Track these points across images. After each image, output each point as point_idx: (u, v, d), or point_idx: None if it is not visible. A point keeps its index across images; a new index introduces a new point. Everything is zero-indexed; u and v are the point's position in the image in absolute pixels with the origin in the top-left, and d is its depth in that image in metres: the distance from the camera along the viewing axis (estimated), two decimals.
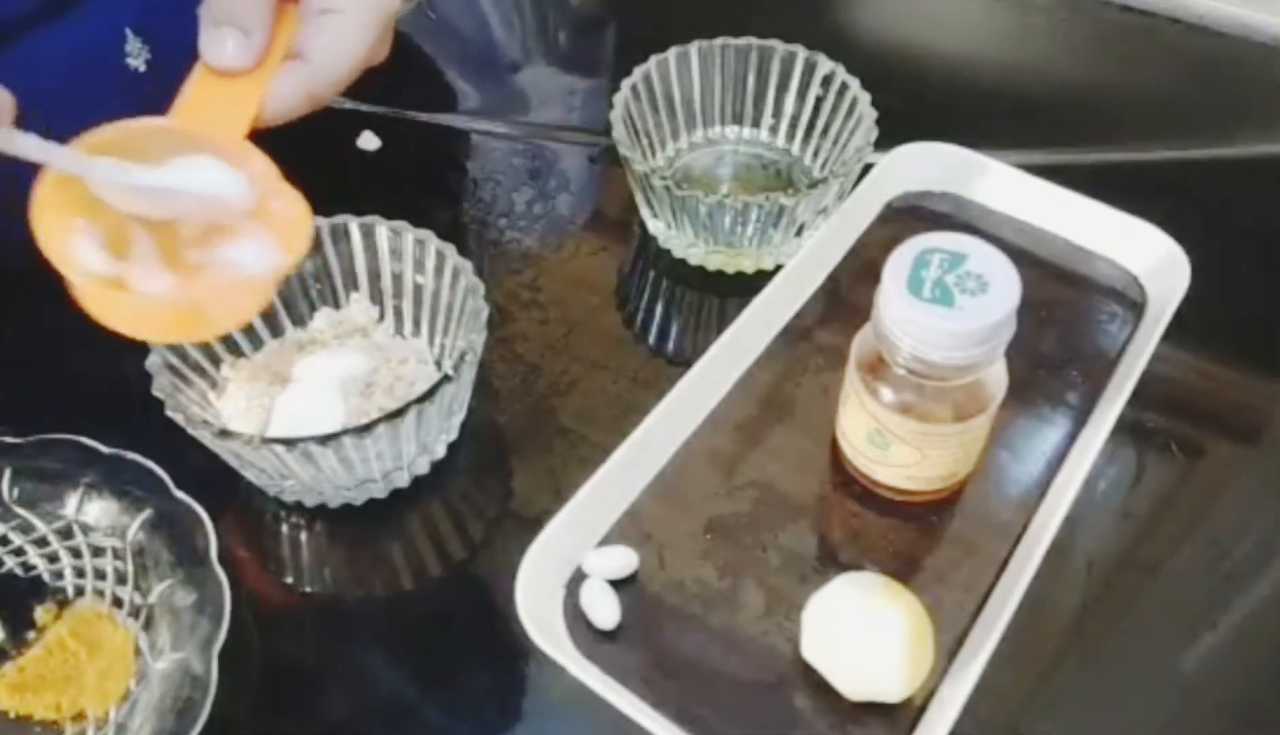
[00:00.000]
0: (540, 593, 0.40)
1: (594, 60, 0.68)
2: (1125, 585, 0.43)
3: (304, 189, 0.38)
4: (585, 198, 0.59)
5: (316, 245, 0.48)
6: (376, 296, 0.50)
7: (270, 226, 0.37)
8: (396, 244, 0.48)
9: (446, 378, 0.42)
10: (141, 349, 0.42)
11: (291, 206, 0.37)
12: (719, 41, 0.56)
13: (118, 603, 0.43)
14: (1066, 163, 0.59)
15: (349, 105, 0.62)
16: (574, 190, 0.59)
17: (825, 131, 0.56)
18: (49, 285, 0.34)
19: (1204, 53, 0.67)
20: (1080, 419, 0.46)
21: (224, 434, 0.41)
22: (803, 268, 0.51)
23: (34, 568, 0.44)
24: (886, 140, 0.52)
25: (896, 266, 0.39)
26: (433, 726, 0.41)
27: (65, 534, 0.44)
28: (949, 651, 0.40)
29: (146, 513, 0.44)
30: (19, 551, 0.44)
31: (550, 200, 0.58)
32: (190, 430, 0.42)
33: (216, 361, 0.47)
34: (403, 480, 0.46)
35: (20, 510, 0.45)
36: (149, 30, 0.52)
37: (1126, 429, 0.46)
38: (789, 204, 0.50)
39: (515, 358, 0.51)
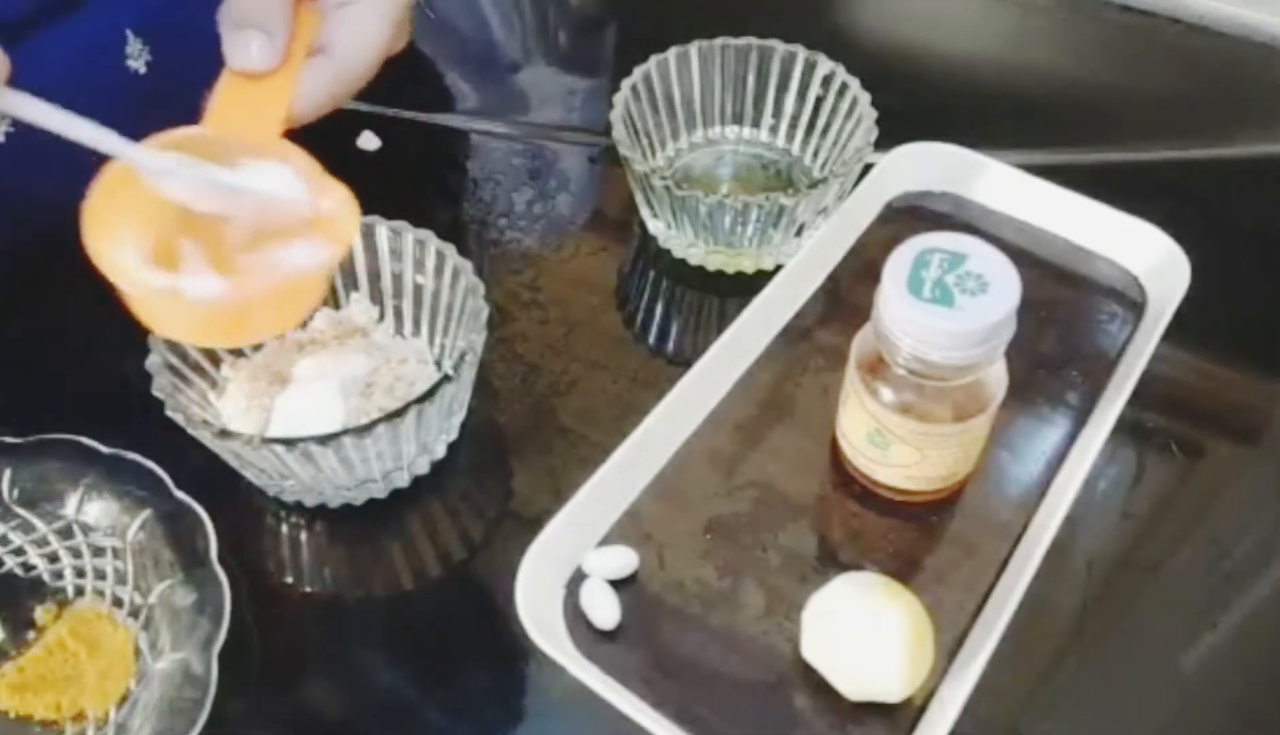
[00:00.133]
0: (540, 593, 0.40)
1: (594, 60, 0.68)
2: (1125, 585, 0.43)
3: None
4: (585, 198, 0.59)
5: None
6: (376, 296, 0.50)
7: (317, 222, 0.37)
8: (396, 244, 0.48)
9: (446, 378, 0.42)
10: (141, 349, 0.42)
11: (337, 199, 0.38)
12: (719, 41, 0.56)
13: (118, 603, 0.43)
14: (1066, 163, 0.59)
15: (349, 105, 0.61)
16: (574, 190, 0.59)
17: (825, 131, 0.56)
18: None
19: (1204, 53, 0.67)
20: (1080, 419, 0.46)
21: (224, 434, 0.41)
22: (803, 268, 0.51)
23: (34, 568, 0.44)
24: (886, 140, 0.52)
25: (896, 266, 0.39)
26: (433, 726, 0.41)
27: (65, 534, 0.45)
28: (949, 651, 0.40)
29: (146, 513, 0.44)
30: (19, 551, 0.44)
31: (550, 200, 0.58)
32: (190, 430, 0.42)
33: (216, 361, 0.47)
34: (403, 480, 0.46)
35: (20, 510, 0.45)
36: (149, 31, 0.52)
37: (1126, 429, 0.46)
38: (789, 204, 0.50)
39: (515, 358, 0.51)
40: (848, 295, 0.51)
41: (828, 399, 0.47)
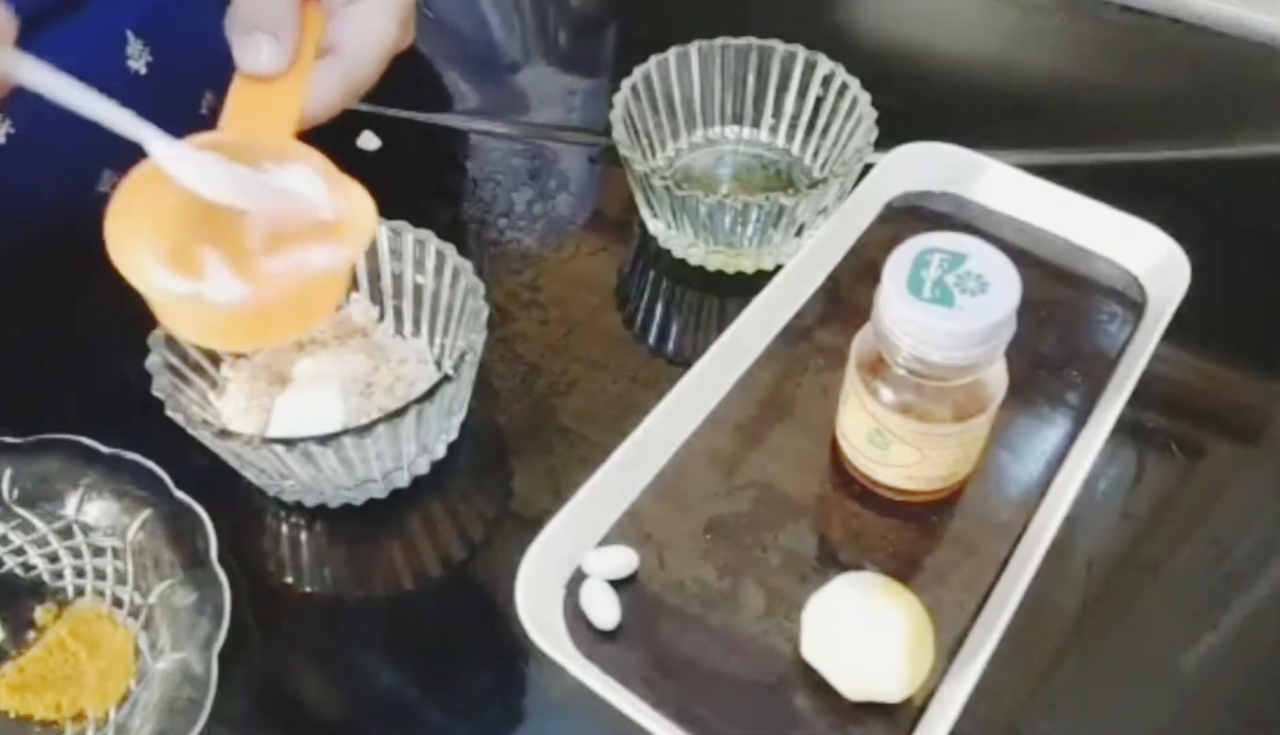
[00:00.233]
0: (540, 593, 0.40)
1: (594, 60, 0.68)
2: (1125, 585, 0.43)
3: None
4: (585, 198, 0.59)
5: None
6: (376, 296, 0.50)
7: (335, 223, 0.37)
8: (396, 244, 0.48)
9: (446, 378, 0.42)
10: (141, 349, 0.42)
11: (354, 198, 0.38)
12: (719, 41, 0.56)
13: (118, 603, 0.43)
14: (1066, 163, 0.59)
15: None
16: (574, 190, 0.59)
17: (825, 131, 0.56)
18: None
19: (1204, 53, 0.67)
20: (1080, 419, 0.46)
21: (224, 434, 0.41)
22: (803, 268, 0.51)
23: (34, 568, 0.44)
24: (886, 140, 0.52)
25: (896, 266, 0.39)
26: (433, 726, 0.41)
27: (65, 534, 0.45)
28: (949, 651, 0.40)
29: (146, 513, 0.44)
30: (19, 551, 0.44)
31: (550, 200, 0.58)
32: (190, 430, 0.42)
33: (216, 361, 0.47)
34: (403, 480, 0.46)
35: (20, 510, 0.45)
36: (150, 32, 0.52)
37: (1126, 429, 0.46)
38: (789, 204, 0.50)
39: (515, 358, 0.51)
40: (848, 295, 0.51)
41: (828, 399, 0.47)
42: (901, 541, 0.43)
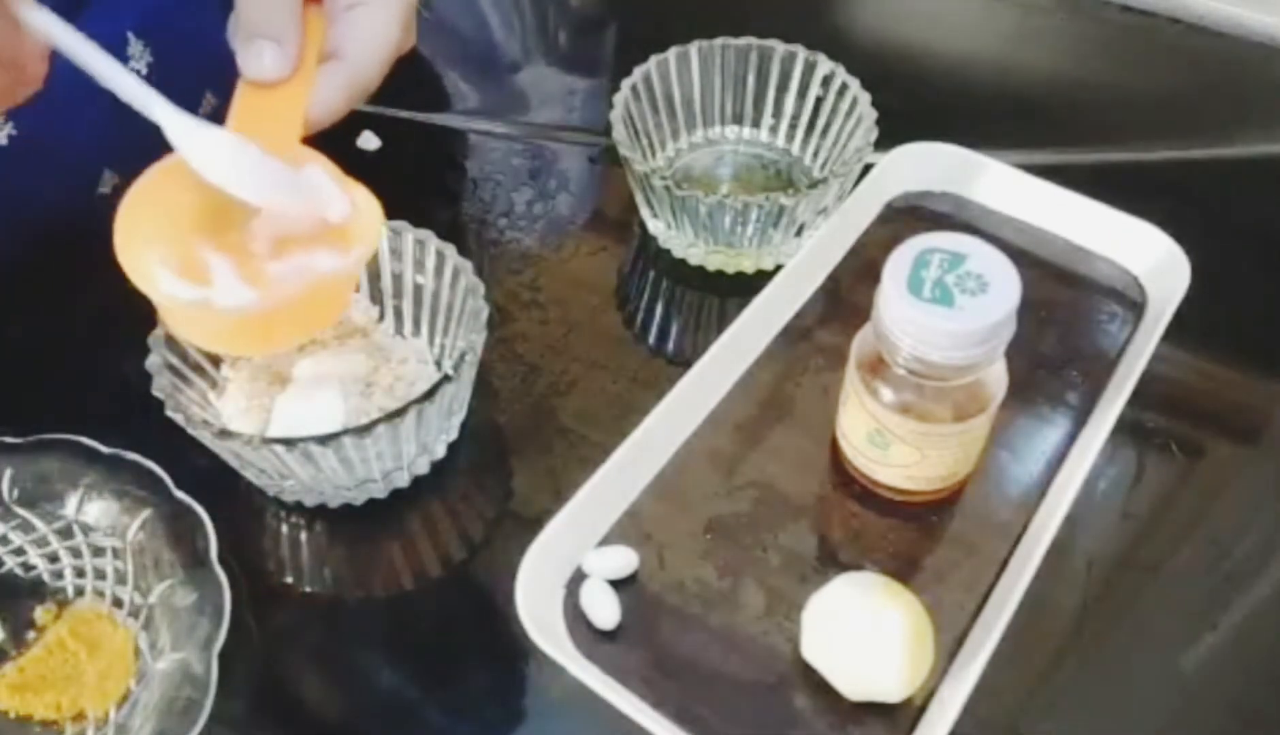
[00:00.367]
0: (540, 593, 0.40)
1: (594, 60, 0.68)
2: (1125, 585, 0.43)
3: None
4: (585, 198, 0.59)
5: None
6: (376, 296, 0.50)
7: (341, 226, 0.37)
8: (396, 244, 0.48)
9: (446, 378, 0.42)
10: (141, 349, 0.42)
11: (360, 201, 0.38)
12: (719, 41, 0.56)
13: (118, 603, 0.43)
14: (1066, 163, 0.59)
15: None
16: (574, 190, 0.59)
17: (825, 131, 0.56)
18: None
19: (1204, 53, 0.67)
20: (1080, 419, 0.46)
21: (224, 434, 0.41)
22: (803, 268, 0.51)
23: (34, 568, 0.44)
24: (886, 140, 0.52)
25: (896, 266, 0.39)
26: (433, 726, 0.41)
27: (65, 534, 0.45)
28: (949, 651, 0.40)
29: (146, 513, 0.44)
30: (19, 551, 0.44)
31: (550, 200, 0.58)
32: (190, 430, 0.42)
33: (216, 361, 0.47)
34: (403, 480, 0.46)
35: (20, 510, 0.45)
36: (150, 33, 0.52)
37: (1126, 429, 0.46)
38: (789, 204, 0.50)
39: (515, 358, 0.51)
40: (848, 295, 0.51)
41: (828, 399, 0.47)
42: (901, 541, 0.43)
